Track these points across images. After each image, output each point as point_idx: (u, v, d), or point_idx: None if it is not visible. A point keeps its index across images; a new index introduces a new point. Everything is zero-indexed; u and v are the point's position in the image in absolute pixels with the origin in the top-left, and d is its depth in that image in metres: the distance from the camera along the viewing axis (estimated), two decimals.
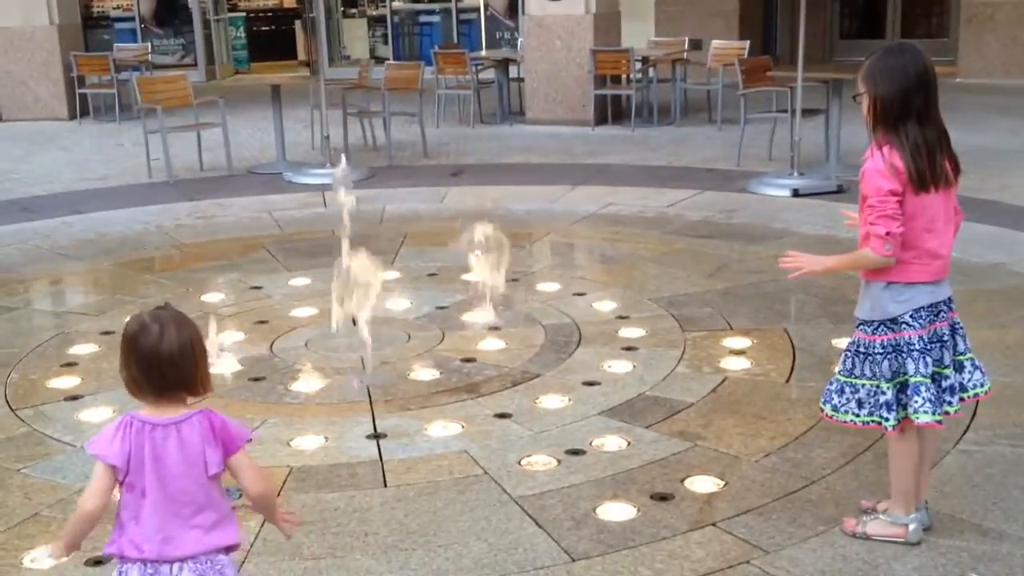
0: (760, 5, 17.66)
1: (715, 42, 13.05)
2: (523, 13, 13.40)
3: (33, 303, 6.28)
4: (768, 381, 4.61)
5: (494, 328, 5.39)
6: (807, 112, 8.79)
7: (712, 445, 3.98)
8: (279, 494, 3.66)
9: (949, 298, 3.16)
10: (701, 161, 9.97)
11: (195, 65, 19.22)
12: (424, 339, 5.25)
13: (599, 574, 3.13)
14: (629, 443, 4.02)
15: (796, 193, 8.23)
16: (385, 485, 3.75)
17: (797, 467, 3.77)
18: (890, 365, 3.10)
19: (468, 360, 4.95)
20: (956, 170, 3.10)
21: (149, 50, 16.01)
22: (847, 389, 3.18)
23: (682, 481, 3.70)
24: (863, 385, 3.15)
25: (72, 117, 14.01)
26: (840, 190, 8.24)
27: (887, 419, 3.10)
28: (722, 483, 3.68)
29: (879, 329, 3.11)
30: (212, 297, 6.12)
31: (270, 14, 22.88)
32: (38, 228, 7.93)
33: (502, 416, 4.30)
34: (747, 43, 12.79)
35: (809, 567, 3.13)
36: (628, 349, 5.04)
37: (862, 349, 3.15)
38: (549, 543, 3.31)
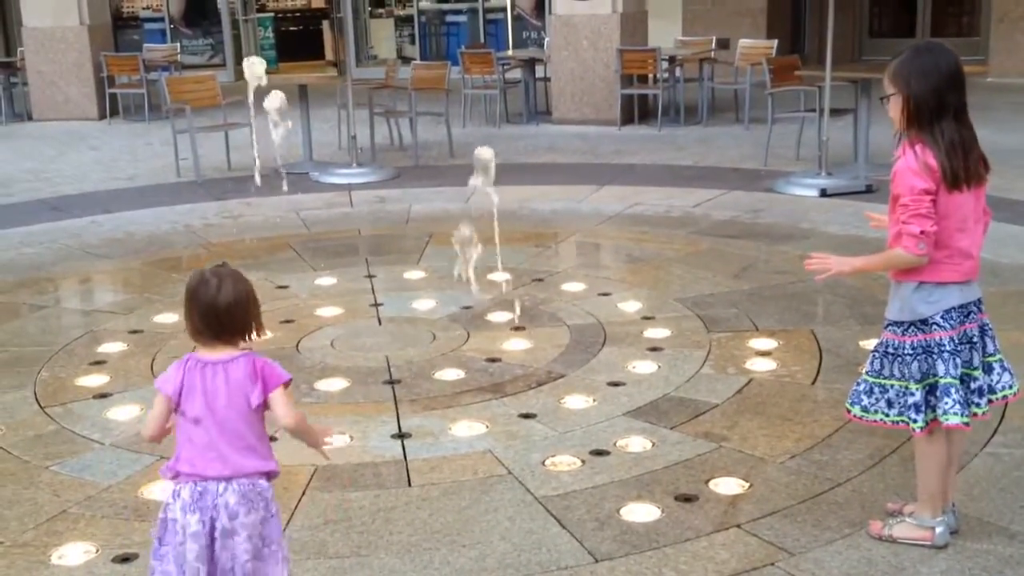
0: (788, 4, 17.56)
1: (743, 41, 12.99)
2: (550, 12, 13.39)
3: (62, 302, 6.34)
4: (794, 383, 4.59)
5: (519, 328, 5.39)
6: (835, 111, 8.72)
7: (737, 446, 3.96)
8: (303, 494, 3.68)
9: (979, 299, 3.13)
10: (728, 161, 9.93)
11: (224, 65, 19.33)
12: (449, 339, 5.26)
13: (623, 575, 3.13)
14: (654, 444, 4.01)
15: (824, 193, 8.18)
16: (409, 485, 3.76)
17: (823, 469, 3.75)
18: (919, 366, 3.08)
19: (493, 360, 4.96)
20: (987, 168, 3.08)
21: (178, 50, 16.13)
22: (876, 389, 3.16)
23: (707, 482, 3.68)
24: (892, 386, 3.13)
25: (102, 117, 14.12)
26: (869, 190, 8.18)
27: (916, 420, 3.08)
28: (747, 485, 3.66)
29: (909, 330, 3.09)
30: None
31: (298, 14, 22.99)
32: (67, 227, 8.01)
33: (527, 416, 4.31)
34: (775, 42, 12.71)
35: (834, 570, 3.11)
36: (653, 350, 5.02)
37: (891, 350, 3.13)
38: (573, 543, 3.31)
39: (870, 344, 4.90)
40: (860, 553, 3.20)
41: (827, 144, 8.44)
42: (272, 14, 22.15)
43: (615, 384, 4.61)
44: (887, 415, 3.15)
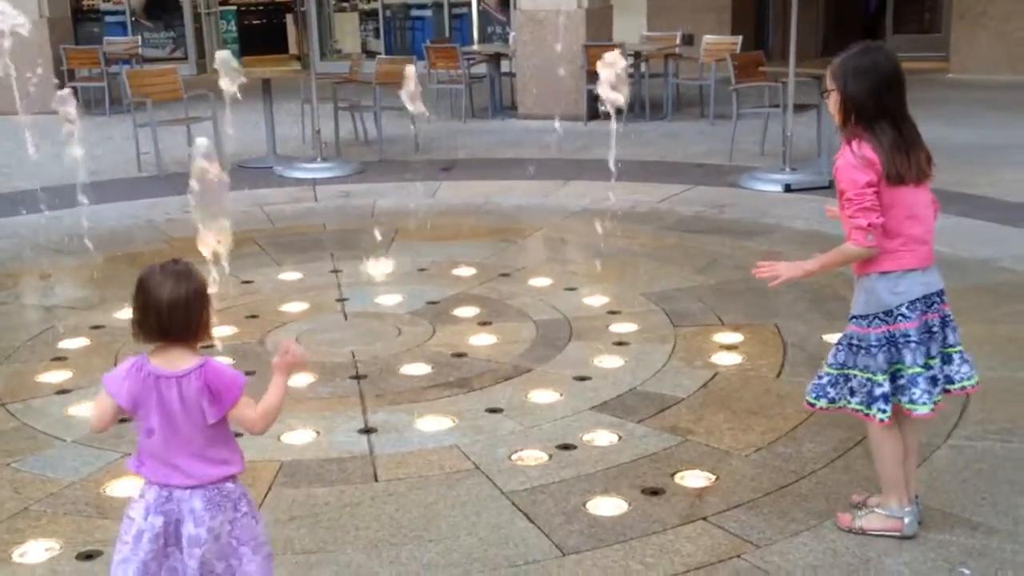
0: (752, 0, 17.66)
1: (707, 37, 13.05)
2: (515, 8, 13.38)
3: (22, 297, 6.26)
4: (759, 376, 4.62)
5: (485, 323, 5.39)
6: (799, 107, 8.79)
7: (703, 440, 3.98)
8: (269, 489, 3.66)
9: (942, 290, 3.17)
10: (693, 156, 9.98)
11: (186, 59, 19.16)
12: (415, 334, 5.24)
13: (590, 568, 3.14)
14: (620, 438, 4.02)
15: (788, 188, 8.25)
16: (376, 480, 3.75)
17: (788, 462, 3.78)
18: (886, 357, 3.12)
19: (459, 355, 4.95)
20: (930, 163, 3.13)
21: (139, 43, 15.95)
22: (840, 380, 3.21)
23: (673, 476, 3.70)
24: (855, 376, 3.17)
25: None
26: (832, 185, 8.24)
27: (884, 411, 3.12)
28: (713, 478, 3.68)
29: (873, 322, 3.12)
30: None
31: (261, 8, 22.79)
32: (27, 222, 7.91)
33: (493, 411, 4.30)
34: (739, 38, 12.78)
35: (800, 561, 3.14)
36: (619, 344, 5.04)
37: (855, 342, 3.16)
38: (540, 537, 3.31)
39: (833, 338, 4.91)
40: (825, 545, 3.22)
41: (791, 140, 8.51)
42: (235, 7, 21.95)
43: (582, 378, 4.62)
44: (849, 402, 3.20)
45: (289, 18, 22.24)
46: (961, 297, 5.44)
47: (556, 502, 3.53)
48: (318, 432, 4.14)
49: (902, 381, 3.13)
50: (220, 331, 5.32)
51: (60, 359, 5.02)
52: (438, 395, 4.48)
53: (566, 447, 3.94)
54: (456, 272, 6.35)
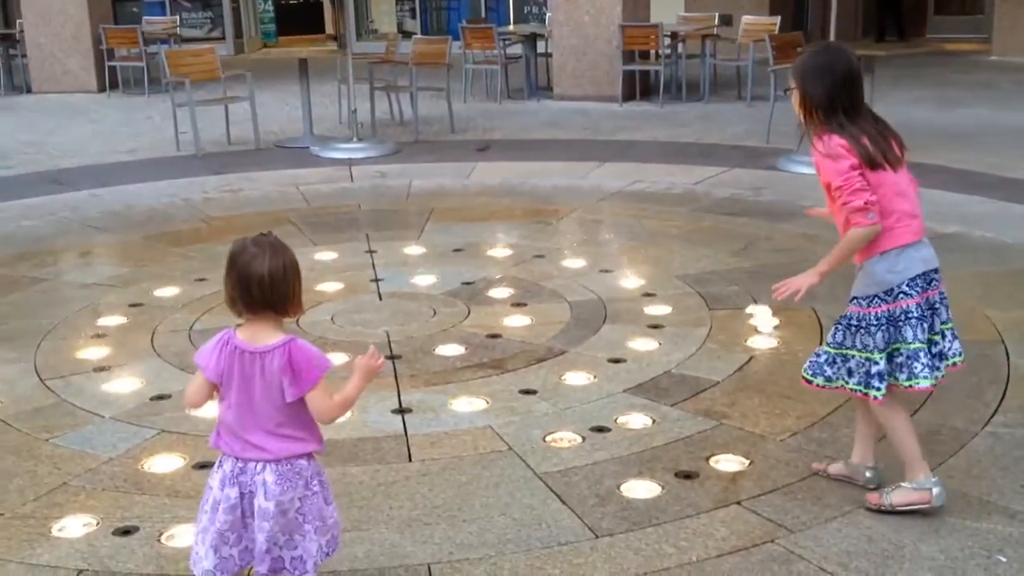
0: None
1: (745, 17, 12.93)
2: None
3: (62, 275, 6.33)
4: (795, 360, 4.57)
5: (520, 304, 5.39)
6: None
7: (737, 424, 3.96)
8: None
9: (937, 268, 3.21)
10: (730, 138, 9.91)
11: (223, 39, 19.25)
12: (450, 314, 5.25)
13: (623, 551, 3.13)
14: (654, 421, 4.01)
15: None
16: (410, 460, 3.76)
17: (823, 447, 3.75)
18: (884, 336, 3.15)
19: (493, 336, 4.95)
20: (903, 148, 3.19)
21: (178, 23, 16.04)
22: (838, 360, 3.25)
23: (707, 459, 3.69)
24: (852, 356, 3.21)
25: (101, 90, 14.07)
26: None
27: (879, 389, 3.16)
28: (747, 462, 3.66)
29: (874, 302, 3.16)
30: None
31: None
32: (67, 200, 7.99)
33: (527, 392, 4.30)
34: (778, 19, 12.67)
35: (834, 547, 3.12)
36: (654, 327, 5.02)
37: (855, 322, 3.19)
38: (573, 519, 3.31)
39: None
40: (860, 531, 3.20)
41: None
42: None
43: (616, 361, 4.61)
44: (847, 382, 3.24)
45: None
46: (1001, 281, 5.39)
47: (589, 484, 3.53)
48: (352, 412, 4.15)
49: (900, 359, 3.17)
50: None
51: (99, 336, 5.08)
52: (472, 376, 4.49)
53: (600, 429, 3.94)
54: (491, 253, 6.35)
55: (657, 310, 5.24)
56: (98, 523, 3.36)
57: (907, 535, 3.16)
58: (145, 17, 16.48)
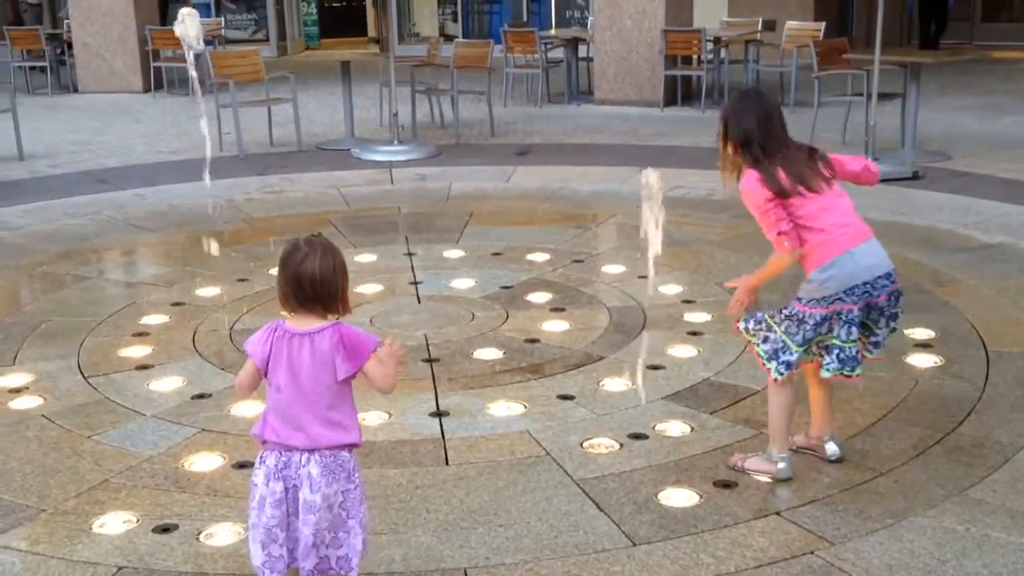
0: None
1: (789, 23, 12.83)
2: None
3: (106, 273, 6.40)
4: None
5: (558, 309, 5.37)
6: (883, 96, 8.59)
7: None
8: None
9: (888, 274, 3.41)
10: None
11: (267, 40, 19.40)
12: (488, 318, 5.25)
13: (660, 560, 3.11)
14: (692, 429, 3.98)
15: None
16: (447, 463, 3.77)
17: (864, 458, 3.71)
18: (813, 333, 3.41)
19: (532, 340, 4.94)
20: (829, 168, 3.47)
21: (223, 25, 16.18)
22: (763, 324, 3.51)
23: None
24: (775, 332, 3.47)
25: (146, 90, 14.22)
26: (916, 176, 8.07)
27: (781, 373, 3.45)
28: None
29: (810, 303, 3.41)
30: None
31: None
32: (112, 199, 8.08)
33: (565, 398, 4.29)
34: (822, 24, 12.55)
35: (875, 560, 3.08)
36: (693, 334, 4.99)
37: (795, 315, 3.44)
38: (610, 526, 3.30)
39: (914, 333, 4.85)
40: (902, 544, 3.16)
41: (874, 129, 8.32)
42: None
43: (654, 367, 4.59)
44: (759, 346, 3.51)
45: (368, 1, 22.38)
46: None
47: (627, 491, 3.51)
48: (390, 414, 4.17)
49: (826, 344, 3.44)
50: None
51: (141, 335, 5.13)
52: (510, 380, 4.49)
53: (637, 436, 3.92)
54: (530, 257, 6.34)
55: (697, 317, 5.21)
56: (138, 520, 3.39)
57: (950, 550, 3.11)
58: None
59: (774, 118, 3.49)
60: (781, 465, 3.53)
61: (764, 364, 3.49)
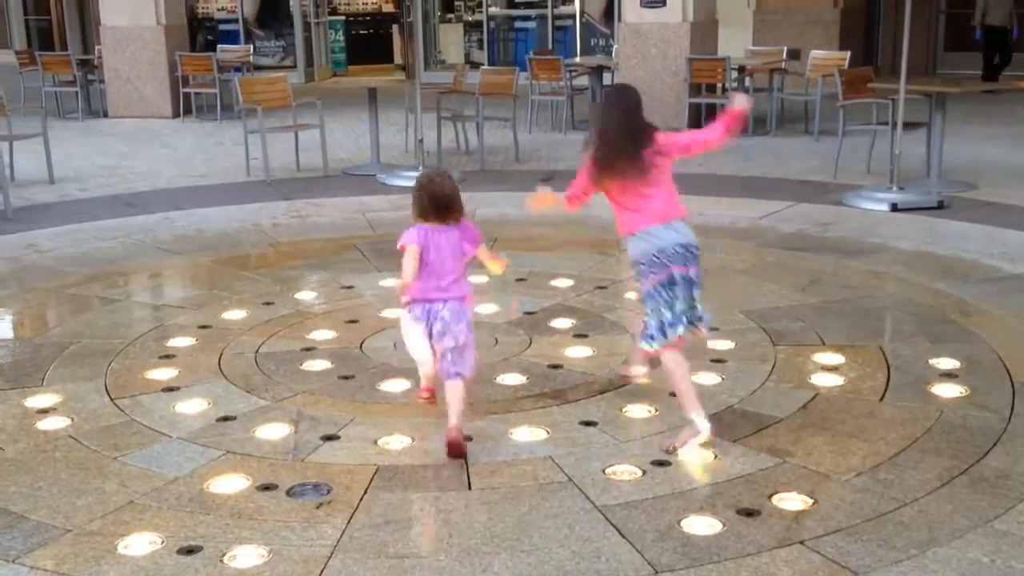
0: (861, 15, 17.33)
1: (814, 52, 12.85)
2: (619, 20, 13.37)
3: (133, 296, 6.46)
4: (861, 399, 4.52)
5: (581, 335, 5.38)
6: (908, 125, 8.59)
7: (801, 462, 3.91)
8: (365, 492, 3.71)
9: (684, 245, 4.07)
10: (796, 173, 9.83)
11: (294, 67, 19.61)
12: (511, 344, 5.27)
13: None
14: (716, 456, 3.97)
15: (895, 208, 8.06)
16: (469, 488, 3.77)
17: (889, 488, 3.69)
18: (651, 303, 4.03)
19: (555, 366, 4.95)
20: (652, 158, 4.14)
21: (251, 52, 16.37)
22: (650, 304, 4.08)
23: (769, 497, 3.64)
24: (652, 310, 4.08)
25: (175, 115, 14.40)
26: (941, 206, 8.04)
27: (653, 342, 4.05)
28: (811, 501, 3.61)
29: (639, 276, 4.11)
30: (305, 295, 6.23)
31: (368, 18, 23.22)
32: (140, 223, 8.17)
33: (587, 424, 4.29)
34: (847, 53, 12.56)
35: None
36: (717, 361, 4.98)
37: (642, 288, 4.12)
38: (632, 554, 3.29)
39: (940, 362, 4.83)
40: (927, 575, 3.13)
41: (899, 158, 8.31)
42: (343, 17, 22.40)
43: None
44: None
45: (395, 28, 22.60)
46: None
47: (649, 518, 3.50)
48: (413, 438, 4.18)
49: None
50: (321, 335, 5.42)
51: (168, 357, 5.17)
52: (533, 406, 4.49)
53: (660, 463, 3.91)
54: (553, 283, 6.36)
55: (720, 344, 5.20)
56: (163, 542, 3.41)
57: None
58: (220, 45, 16.85)
59: (623, 112, 4.27)
60: (698, 421, 3.95)
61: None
